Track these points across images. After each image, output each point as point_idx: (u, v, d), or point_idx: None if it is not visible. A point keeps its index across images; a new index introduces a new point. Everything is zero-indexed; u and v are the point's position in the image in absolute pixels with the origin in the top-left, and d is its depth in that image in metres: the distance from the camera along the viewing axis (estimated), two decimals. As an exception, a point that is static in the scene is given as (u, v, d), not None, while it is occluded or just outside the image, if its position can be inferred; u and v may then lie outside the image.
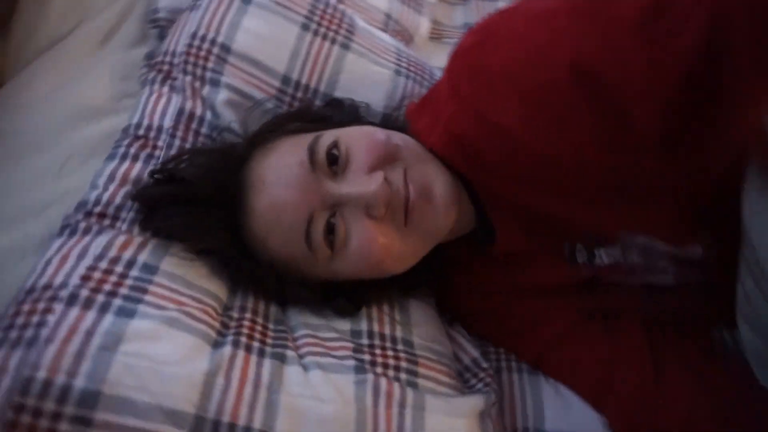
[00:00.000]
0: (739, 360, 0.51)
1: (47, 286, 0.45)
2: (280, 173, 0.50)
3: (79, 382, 0.39)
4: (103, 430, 0.39)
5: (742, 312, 0.50)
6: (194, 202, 0.52)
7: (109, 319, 0.43)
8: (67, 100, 0.69)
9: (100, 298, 0.44)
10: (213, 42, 0.65)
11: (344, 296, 0.53)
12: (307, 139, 0.52)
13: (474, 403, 0.48)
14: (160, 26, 0.77)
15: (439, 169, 0.52)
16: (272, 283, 0.52)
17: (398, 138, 0.53)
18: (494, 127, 0.49)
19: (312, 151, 0.50)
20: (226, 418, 0.41)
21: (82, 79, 0.72)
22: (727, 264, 0.49)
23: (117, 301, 0.44)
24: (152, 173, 0.56)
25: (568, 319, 0.58)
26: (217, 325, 0.47)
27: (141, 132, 0.62)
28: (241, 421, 0.41)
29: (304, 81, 0.66)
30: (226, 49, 0.65)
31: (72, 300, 0.43)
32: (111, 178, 0.57)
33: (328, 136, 0.51)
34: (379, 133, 0.52)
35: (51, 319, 0.42)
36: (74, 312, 0.43)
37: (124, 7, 0.80)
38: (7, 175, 0.62)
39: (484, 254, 0.58)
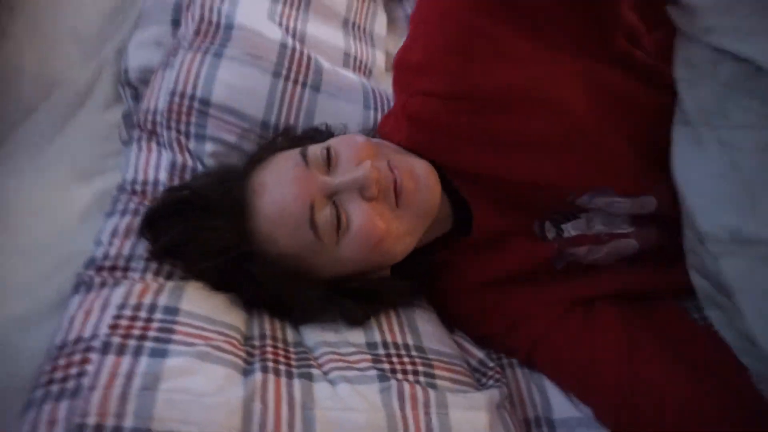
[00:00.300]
0: (708, 329, 0.57)
1: (78, 340, 0.48)
2: (278, 175, 0.56)
3: (129, 423, 0.42)
4: None
5: (690, 261, 0.58)
6: (203, 209, 0.56)
7: (144, 360, 0.46)
8: (53, 165, 0.72)
9: (132, 343, 0.47)
10: (192, 97, 0.69)
11: (352, 300, 0.57)
12: (297, 150, 0.57)
13: (490, 396, 0.53)
14: (133, 86, 0.81)
15: (415, 157, 0.59)
16: (285, 291, 0.56)
17: (376, 139, 0.60)
18: (437, 96, 0.56)
19: (304, 155, 0.56)
20: None
21: (63, 144, 0.75)
22: (678, 219, 0.57)
23: (148, 344, 0.47)
24: (165, 191, 0.61)
25: (550, 316, 0.63)
26: (243, 354, 0.50)
27: (138, 187, 0.66)
28: None
29: (282, 124, 0.71)
30: (205, 102, 0.69)
31: (106, 348, 0.46)
32: (114, 232, 0.60)
33: (316, 145, 0.57)
34: (360, 136, 0.59)
35: (90, 368, 0.45)
36: (110, 359, 0.45)
37: (94, 71, 0.84)
38: (9, 245, 0.64)
39: (464, 250, 0.64)
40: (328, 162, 0.56)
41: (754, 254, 0.50)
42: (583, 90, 0.57)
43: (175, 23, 0.83)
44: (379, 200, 0.54)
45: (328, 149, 0.56)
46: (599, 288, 0.63)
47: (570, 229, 0.63)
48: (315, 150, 0.56)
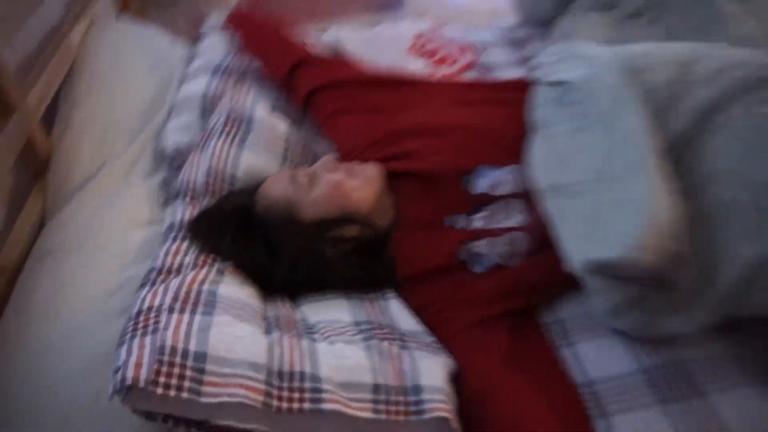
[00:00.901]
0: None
1: (150, 308, 0.70)
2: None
3: (193, 347, 0.63)
4: (211, 377, 0.62)
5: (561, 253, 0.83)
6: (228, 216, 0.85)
7: (198, 317, 0.67)
8: (112, 217, 0.95)
9: (189, 307, 0.69)
10: (224, 174, 0.95)
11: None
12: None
13: (446, 358, 0.75)
14: (169, 160, 1.07)
15: None
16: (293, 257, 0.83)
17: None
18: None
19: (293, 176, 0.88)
20: (286, 367, 0.66)
21: (118, 202, 0.98)
22: None
23: (200, 308, 0.69)
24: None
25: (458, 325, 0.82)
26: (263, 324, 0.72)
27: (184, 226, 0.89)
28: (297, 368, 0.66)
29: None
30: (233, 176, 0.95)
31: (171, 310, 0.68)
32: (167, 252, 0.82)
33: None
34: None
35: (162, 320, 0.66)
36: (175, 315, 0.67)
37: (138, 148, 1.09)
38: (81, 268, 0.86)
39: (398, 244, 0.89)
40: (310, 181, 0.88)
41: (559, 194, 0.82)
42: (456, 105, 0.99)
43: (203, 112, 1.12)
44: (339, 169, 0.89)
45: (310, 173, 0.88)
46: (504, 292, 0.85)
47: (476, 222, 0.89)
48: (299, 174, 0.90)
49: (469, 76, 1.46)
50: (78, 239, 0.91)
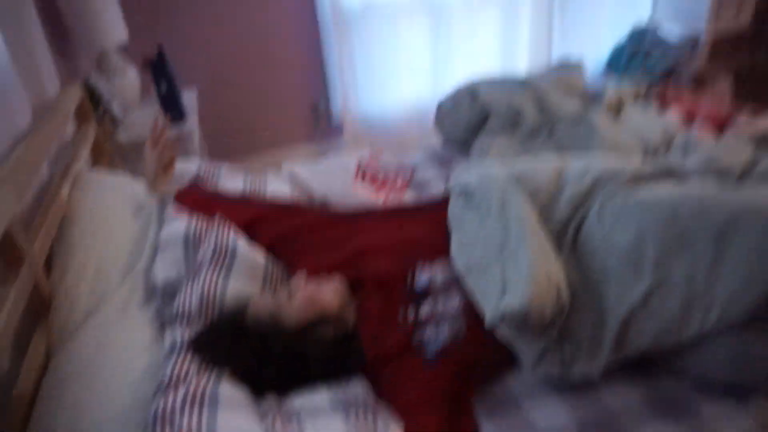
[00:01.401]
0: None
1: (164, 410, 0.86)
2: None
3: None
4: None
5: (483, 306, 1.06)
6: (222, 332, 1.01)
7: (205, 412, 0.84)
8: (117, 346, 1.09)
9: (196, 407, 0.85)
10: (215, 300, 1.12)
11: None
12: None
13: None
14: (160, 293, 1.22)
15: None
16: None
17: None
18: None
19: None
20: None
21: (120, 332, 1.12)
22: None
23: (206, 407, 0.85)
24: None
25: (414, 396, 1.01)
26: (258, 414, 0.89)
27: (184, 345, 1.03)
28: None
29: None
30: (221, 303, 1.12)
31: (182, 411, 0.85)
32: (174, 365, 0.97)
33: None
34: None
35: (175, 421, 0.83)
36: (186, 415, 0.84)
37: (131, 283, 1.24)
38: (90, 396, 0.98)
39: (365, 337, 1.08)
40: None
41: (473, 271, 1.09)
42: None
43: (186, 249, 1.29)
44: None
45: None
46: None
47: (423, 312, 1.10)
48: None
49: (408, 193, 1.73)
50: (89, 368, 1.03)
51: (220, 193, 1.49)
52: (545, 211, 1.16)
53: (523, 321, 0.97)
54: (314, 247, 1.27)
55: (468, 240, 1.17)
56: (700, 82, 2.25)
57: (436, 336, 1.08)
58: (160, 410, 0.86)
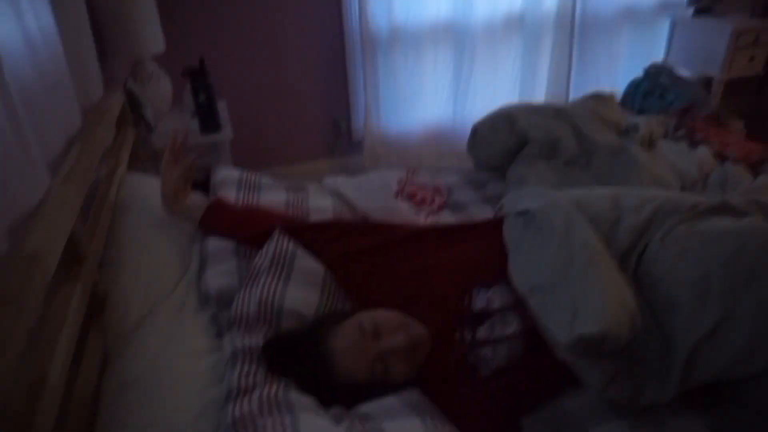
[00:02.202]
0: None
1: (242, 416, 0.86)
2: (347, 343, 1.00)
3: None
4: None
5: (549, 339, 1.06)
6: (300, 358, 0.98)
7: (287, 415, 0.84)
8: (176, 350, 1.08)
9: (275, 411, 0.86)
10: (272, 305, 1.11)
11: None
12: (357, 324, 1.03)
13: None
14: (211, 298, 1.22)
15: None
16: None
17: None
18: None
19: (362, 329, 1.01)
20: None
21: (178, 336, 1.11)
22: None
23: (283, 410, 0.86)
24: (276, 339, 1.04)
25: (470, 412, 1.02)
26: (332, 418, 0.90)
27: (246, 352, 1.02)
28: None
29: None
30: (280, 308, 1.11)
31: (262, 414, 0.85)
32: (240, 375, 0.96)
33: (365, 319, 1.03)
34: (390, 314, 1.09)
35: (258, 424, 0.83)
36: (267, 417, 0.85)
37: (183, 289, 1.24)
38: (163, 397, 0.97)
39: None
40: (376, 332, 1.02)
41: (537, 292, 1.08)
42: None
43: (238, 258, 1.30)
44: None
45: (375, 327, 1.03)
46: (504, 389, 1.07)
47: (480, 334, 1.10)
48: (368, 325, 1.02)
49: (445, 214, 1.75)
50: (151, 372, 1.02)
51: (259, 210, 1.44)
52: (606, 239, 1.16)
53: (599, 345, 0.98)
54: (370, 268, 1.25)
55: (529, 261, 1.16)
56: (716, 121, 2.32)
57: (493, 356, 1.10)
58: (238, 415, 0.86)
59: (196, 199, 1.41)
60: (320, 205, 1.57)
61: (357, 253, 1.26)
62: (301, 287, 1.16)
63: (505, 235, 1.27)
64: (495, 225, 1.34)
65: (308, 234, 1.29)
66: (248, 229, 1.33)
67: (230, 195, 1.52)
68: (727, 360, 0.99)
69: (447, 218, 1.71)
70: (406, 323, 1.07)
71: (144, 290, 1.21)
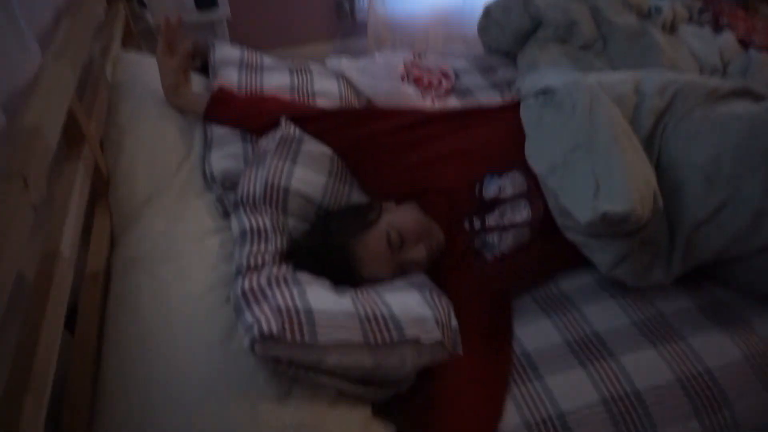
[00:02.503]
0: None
1: (251, 288, 0.87)
2: (372, 253, 1.02)
3: (300, 306, 0.82)
4: (321, 325, 0.79)
5: (559, 222, 1.08)
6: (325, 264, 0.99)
7: (294, 288, 0.87)
8: (184, 228, 1.09)
9: (282, 284, 0.89)
10: (279, 186, 1.10)
11: None
12: (384, 232, 1.03)
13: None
14: (219, 183, 1.21)
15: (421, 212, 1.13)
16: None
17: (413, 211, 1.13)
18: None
19: (389, 240, 1.02)
20: (370, 313, 0.85)
21: (185, 216, 1.12)
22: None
23: (291, 284, 0.88)
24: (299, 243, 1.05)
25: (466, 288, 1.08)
26: (337, 291, 0.92)
27: (254, 231, 1.02)
28: (378, 312, 0.86)
29: (329, 206, 1.14)
30: (286, 189, 1.10)
31: (270, 286, 0.88)
32: (249, 254, 0.97)
33: (392, 229, 1.04)
34: (415, 218, 1.10)
35: (267, 294, 0.86)
36: (276, 289, 0.87)
37: (187, 171, 1.22)
38: (173, 273, 0.99)
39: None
40: (401, 243, 1.03)
41: (556, 171, 1.05)
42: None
43: (244, 140, 1.27)
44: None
45: (401, 236, 1.03)
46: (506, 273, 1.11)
47: (489, 221, 1.12)
48: (394, 237, 1.03)
49: (452, 99, 1.70)
50: (161, 249, 1.03)
51: (265, 99, 1.36)
52: (630, 123, 1.12)
53: (621, 224, 0.96)
54: (380, 156, 1.22)
55: (549, 139, 1.11)
56: (743, 5, 2.18)
57: (499, 242, 1.12)
58: (247, 287, 0.88)
59: (199, 90, 1.35)
60: (325, 87, 1.52)
61: (366, 140, 1.22)
62: (308, 169, 1.14)
63: (523, 117, 1.20)
64: (510, 109, 1.27)
65: (316, 123, 1.23)
66: (255, 119, 1.27)
67: (231, 77, 1.45)
68: (727, 239, 1.01)
69: (454, 103, 1.66)
70: (428, 231, 1.09)
71: (147, 171, 1.19)
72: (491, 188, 1.14)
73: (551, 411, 0.92)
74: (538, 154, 1.11)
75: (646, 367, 0.98)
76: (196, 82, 1.42)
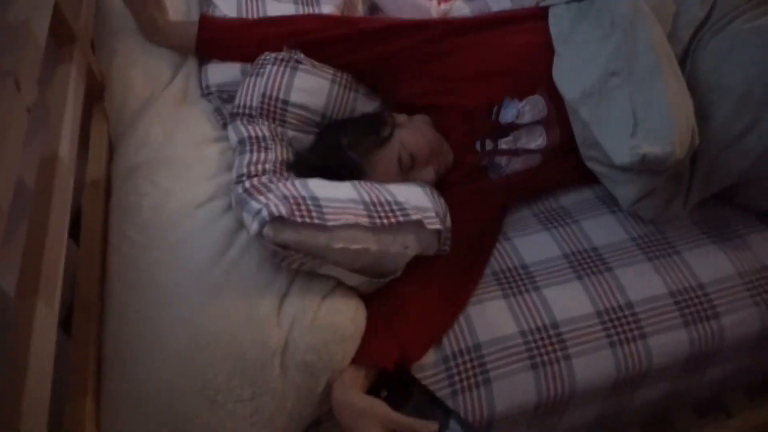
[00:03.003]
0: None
1: (253, 185, 0.90)
2: (383, 176, 1.00)
3: (305, 193, 0.85)
4: (328, 210, 0.82)
5: (583, 152, 1.05)
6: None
7: (296, 181, 0.90)
8: (184, 137, 1.06)
9: (283, 180, 0.92)
10: (277, 99, 1.06)
11: None
12: (395, 154, 1.02)
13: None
14: (212, 93, 1.16)
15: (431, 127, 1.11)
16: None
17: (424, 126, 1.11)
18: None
19: (400, 163, 1.01)
20: (374, 198, 0.88)
21: (184, 123, 1.08)
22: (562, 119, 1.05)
23: (291, 180, 0.91)
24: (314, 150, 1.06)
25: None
26: None
27: (254, 140, 1.01)
28: (382, 197, 0.89)
29: (334, 116, 1.11)
30: (285, 102, 1.07)
31: (271, 182, 0.91)
32: (249, 162, 0.96)
33: (404, 151, 1.02)
34: (426, 136, 1.07)
35: (270, 185, 0.89)
36: (278, 183, 0.90)
37: (184, 77, 1.17)
38: (174, 180, 0.98)
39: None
40: (411, 164, 1.02)
41: (591, 99, 0.98)
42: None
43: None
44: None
45: (412, 157, 1.02)
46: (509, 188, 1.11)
47: (501, 144, 1.09)
48: (405, 158, 1.01)
49: (458, 3, 1.61)
50: (161, 156, 1.01)
51: (266, 21, 1.21)
52: (668, 36, 1.01)
53: (658, 165, 0.91)
54: (400, 73, 1.14)
55: (582, 59, 1.01)
56: None
57: (507, 165, 1.10)
58: (249, 186, 0.89)
59: (181, 20, 1.22)
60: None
61: (385, 59, 1.13)
62: (309, 76, 1.10)
63: (552, 30, 1.09)
64: (536, 17, 1.16)
65: (329, 49, 1.13)
66: (255, 49, 1.13)
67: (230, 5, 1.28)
68: (749, 164, 0.97)
69: (460, 7, 1.58)
70: (438, 151, 1.06)
71: (142, 75, 1.14)
72: (509, 113, 1.08)
73: (546, 320, 0.95)
74: (568, 77, 1.02)
75: (641, 280, 1.00)
76: (177, 10, 1.26)
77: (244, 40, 1.15)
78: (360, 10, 1.48)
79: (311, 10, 1.33)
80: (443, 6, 1.55)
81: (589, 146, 1.03)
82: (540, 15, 1.15)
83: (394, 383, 0.86)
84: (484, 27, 1.16)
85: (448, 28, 1.15)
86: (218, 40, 1.16)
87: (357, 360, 0.85)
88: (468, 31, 1.15)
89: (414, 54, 1.12)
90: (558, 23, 1.10)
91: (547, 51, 1.08)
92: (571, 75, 1.02)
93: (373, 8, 1.57)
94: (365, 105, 1.18)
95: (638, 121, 0.92)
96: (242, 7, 1.26)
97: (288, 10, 1.30)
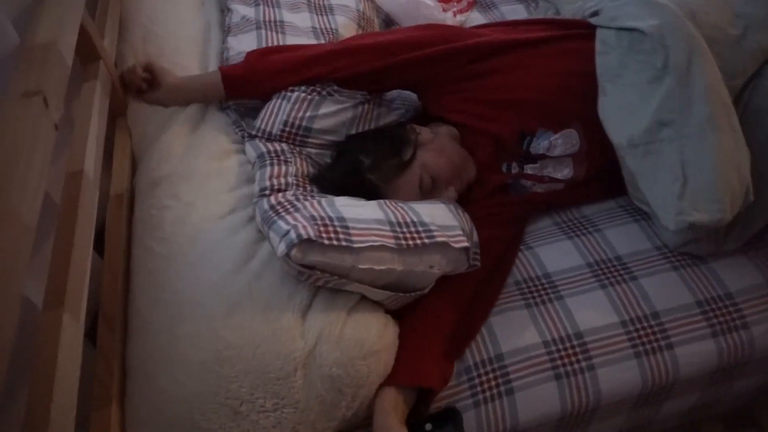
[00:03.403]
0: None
1: (279, 202, 0.90)
2: (405, 197, 1.00)
3: (332, 214, 0.84)
4: (354, 231, 0.82)
5: (630, 192, 1.03)
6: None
7: (322, 200, 0.90)
8: (203, 150, 1.07)
9: (309, 197, 0.93)
10: (300, 127, 1.05)
11: None
12: (416, 178, 1.01)
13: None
14: (230, 107, 1.17)
15: (457, 144, 1.10)
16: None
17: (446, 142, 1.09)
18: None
19: (420, 186, 1.01)
20: (400, 219, 0.87)
21: (203, 136, 1.10)
22: (592, 153, 1.04)
23: (317, 198, 0.92)
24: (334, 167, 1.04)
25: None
26: None
27: (273, 154, 1.01)
28: (407, 218, 0.88)
29: (356, 131, 1.08)
30: (308, 130, 1.06)
31: (297, 200, 0.91)
32: (270, 176, 0.96)
33: (425, 173, 1.01)
34: (448, 159, 1.05)
35: (297, 205, 0.88)
36: (305, 201, 0.90)
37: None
38: (195, 193, 0.99)
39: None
40: (432, 185, 1.02)
41: (638, 150, 0.93)
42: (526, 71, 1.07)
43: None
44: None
45: (433, 180, 1.01)
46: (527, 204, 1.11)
47: (527, 170, 1.08)
48: (426, 181, 1.01)
49: (474, 14, 1.62)
50: (181, 170, 1.03)
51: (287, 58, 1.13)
52: (725, 68, 0.91)
53: (707, 230, 0.90)
54: (436, 92, 1.12)
55: (631, 103, 0.94)
56: None
57: (530, 188, 1.10)
58: (274, 201, 0.89)
59: (196, 75, 1.20)
60: (343, 2, 1.44)
61: (419, 83, 1.12)
62: (337, 105, 1.07)
63: (598, 60, 1.01)
64: (583, 36, 1.07)
65: (362, 80, 1.09)
66: (286, 80, 1.09)
67: (250, 43, 1.24)
68: None
69: (476, 17, 1.59)
70: (461, 169, 1.06)
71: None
72: (541, 144, 1.05)
73: (570, 330, 0.94)
74: (616, 120, 0.96)
75: (666, 289, 0.99)
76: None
77: (276, 89, 1.10)
78: (376, 23, 1.49)
79: (326, 25, 1.34)
80: (459, 17, 1.56)
81: (635, 188, 1.00)
82: (587, 34, 1.06)
83: (439, 420, 0.84)
84: (529, 45, 1.09)
85: (491, 49, 1.08)
86: (247, 94, 1.15)
87: (400, 380, 0.85)
88: (509, 50, 1.08)
89: (453, 73, 1.09)
90: (606, 53, 1.01)
91: (588, 82, 1.01)
92: (618, 118, 0.96)
93: (388, 19, 1.58)
94: (389, 115, 1.16)
95: (687, 179, 0.87)
96: (262, 40, 1.24)
97: (306, 31, 1.30)
